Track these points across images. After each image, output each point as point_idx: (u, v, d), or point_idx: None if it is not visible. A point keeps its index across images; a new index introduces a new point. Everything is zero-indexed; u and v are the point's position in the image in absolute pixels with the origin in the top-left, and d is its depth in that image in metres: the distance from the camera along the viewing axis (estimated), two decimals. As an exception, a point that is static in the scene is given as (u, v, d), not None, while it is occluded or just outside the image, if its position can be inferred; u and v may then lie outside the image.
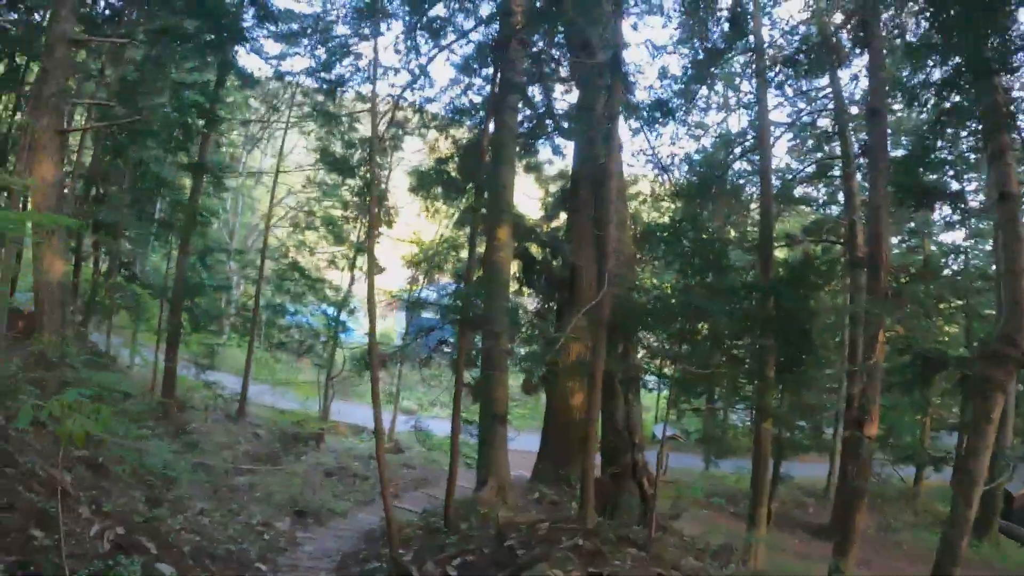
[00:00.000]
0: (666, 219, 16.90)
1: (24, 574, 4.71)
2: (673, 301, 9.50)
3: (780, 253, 18.33)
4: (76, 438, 3.21)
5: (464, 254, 15.87)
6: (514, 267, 16.10)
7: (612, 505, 11.02)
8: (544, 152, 18.75)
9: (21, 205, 14.57)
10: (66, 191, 20.98)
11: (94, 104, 14.80)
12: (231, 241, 28.76)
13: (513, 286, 15.52)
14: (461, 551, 8.21)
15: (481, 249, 12.38)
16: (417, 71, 12.93)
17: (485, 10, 12.94)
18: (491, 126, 12.12)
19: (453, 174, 14.99)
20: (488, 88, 12.33)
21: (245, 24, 16.12)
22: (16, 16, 16.05)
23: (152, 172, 18.90)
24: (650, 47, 22.03)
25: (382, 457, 9.47)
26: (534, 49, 13.22)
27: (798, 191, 21.92)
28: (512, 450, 11.80)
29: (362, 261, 20.12)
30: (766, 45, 15.38)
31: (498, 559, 7.36)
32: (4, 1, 15.63)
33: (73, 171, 21.51)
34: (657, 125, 12.74)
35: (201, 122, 17.52)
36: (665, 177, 16.93)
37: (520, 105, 13.44)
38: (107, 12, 16.06)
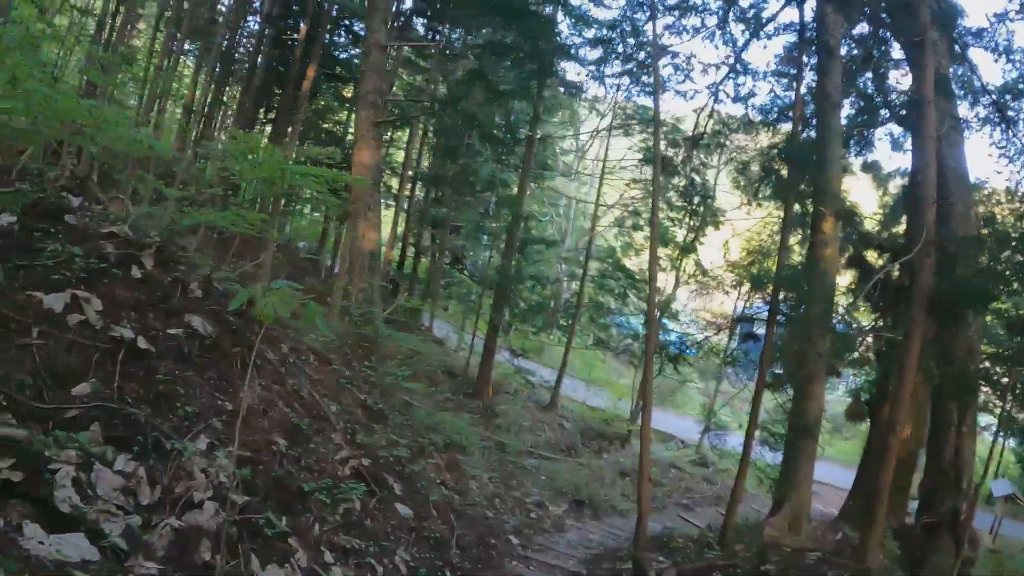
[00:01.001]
0: None
1: (252, 469, 4.98)
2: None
3: None
4: (264, 316, 3.27)
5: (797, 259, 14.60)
6: (848, 277, 14.24)
7: (918, 559, 8.85)
8: (882, 147, 16.20)
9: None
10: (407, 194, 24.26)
11: (422, 112, 16.47)
12: (563, 244, 30.00)
13: (846, 299, 13.71)
14: (711, 565, 7.26)
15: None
16: (733, 61, 12.32)
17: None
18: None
19: (780, 171, 13.77)
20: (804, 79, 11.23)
21: (560, 32, 16.98)
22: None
23: (481, 175, 20.50)
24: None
25: (645, 457, 8.85)
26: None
27: None
28: (824, 483, 10.22)
29: (687, 263, 19.49)
30: None
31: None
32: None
33: (414, 177, 24.58)
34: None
35: (525, 128, 18.57)
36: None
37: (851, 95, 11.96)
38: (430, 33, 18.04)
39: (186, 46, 25.11)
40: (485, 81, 15.89)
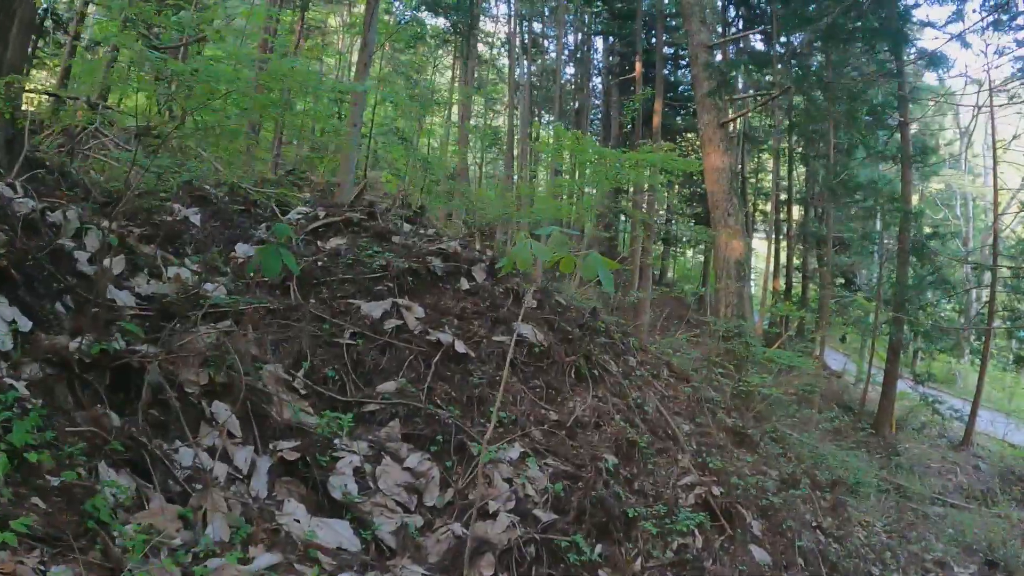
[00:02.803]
0: None
1: (568, 485, 4.60)
2: None
3: None
4: (584, 272, 2.87)
5: None
6: None
7: None
8: None
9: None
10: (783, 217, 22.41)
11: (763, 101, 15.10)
12: (965, 248, 25.11)
13: None
14: None
15: None
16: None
17: None
18: None
19: None
20: None
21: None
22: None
23: (858, 177, 18.15)
24: None
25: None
26: None
27: None
28: None
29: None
30: None
31: None
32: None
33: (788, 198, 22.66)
34: None
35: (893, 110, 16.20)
36: None
37: None
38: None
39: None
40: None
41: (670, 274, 31.20)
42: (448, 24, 23.65)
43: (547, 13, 26.47)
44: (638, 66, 20.55)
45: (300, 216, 6.68)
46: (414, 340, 4.77)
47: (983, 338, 18.15)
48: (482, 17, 25.03)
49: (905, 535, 10.07)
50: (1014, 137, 18.60)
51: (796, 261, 24.42)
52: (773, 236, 23.52)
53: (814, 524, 7.42)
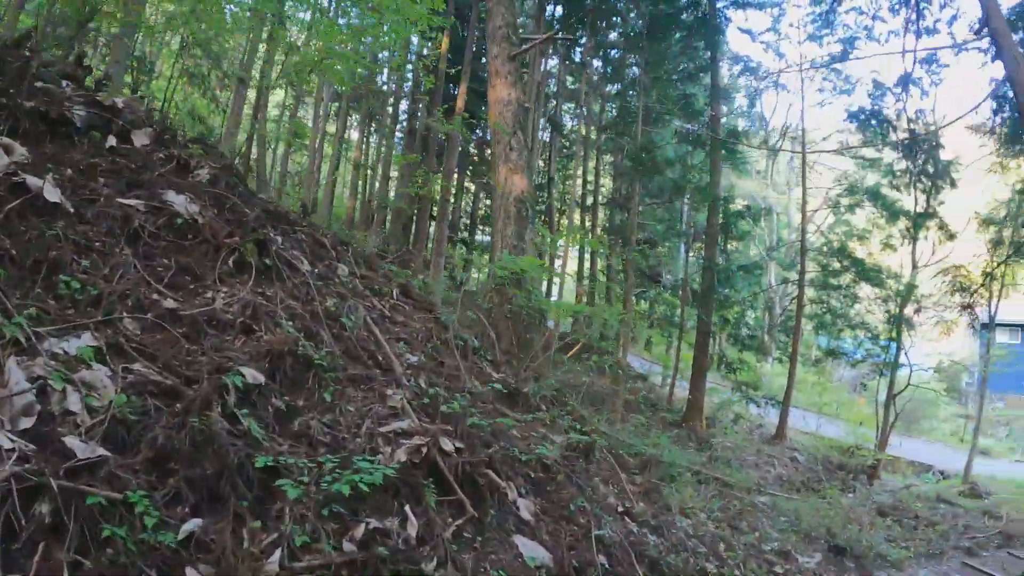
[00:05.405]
0: None
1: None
2: None
3: None
4: None
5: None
6: None
7: None
8: None
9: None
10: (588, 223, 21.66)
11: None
12: (767, 261, 25.91)
13: None
14: None
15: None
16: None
17: None
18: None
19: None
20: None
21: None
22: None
23: (665, 153, 17.74)
24: None
25: None
26: None
27: None
28: None
29: (926, 232, 15.33)
30: None
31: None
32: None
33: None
34: None
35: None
36: None
37: None
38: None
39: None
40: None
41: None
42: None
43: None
44: (445, 41, 18.72)
45: None
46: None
47: (791, 336, 18.12)
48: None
49: (735, 525, 8.69)
50: (824, 139, 19.20)
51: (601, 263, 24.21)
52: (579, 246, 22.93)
53: (621, 509, 5.57)
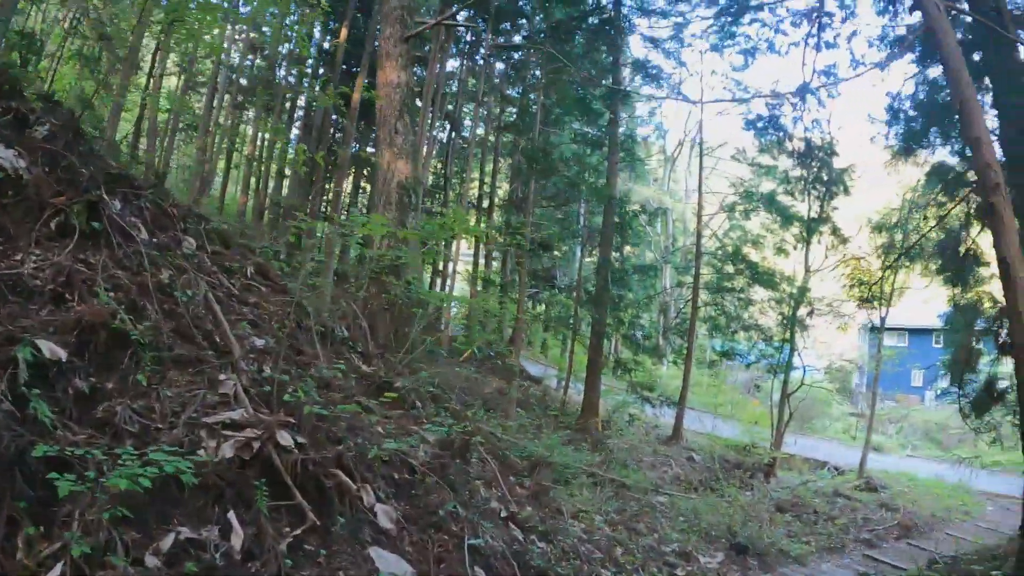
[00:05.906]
0: None
1: None
2: None
3: None
4: None
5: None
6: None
7: None
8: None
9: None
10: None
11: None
12: (663, 264, 26.22)
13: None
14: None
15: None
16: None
17: None
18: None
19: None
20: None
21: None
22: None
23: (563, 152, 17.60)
24: None
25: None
26: None
27: None
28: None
29: (819, 236, 15.70)
30: None
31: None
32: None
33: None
34: None
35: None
36: None
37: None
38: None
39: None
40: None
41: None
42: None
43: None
44: (344, 32, 17.80)
45: None
46: None
47: (685, 338, 18.27)
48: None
49: (633, 527, 8.31)
50: (720, 145, 19.49)
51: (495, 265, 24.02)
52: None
53: (504, 515, 4.97)
